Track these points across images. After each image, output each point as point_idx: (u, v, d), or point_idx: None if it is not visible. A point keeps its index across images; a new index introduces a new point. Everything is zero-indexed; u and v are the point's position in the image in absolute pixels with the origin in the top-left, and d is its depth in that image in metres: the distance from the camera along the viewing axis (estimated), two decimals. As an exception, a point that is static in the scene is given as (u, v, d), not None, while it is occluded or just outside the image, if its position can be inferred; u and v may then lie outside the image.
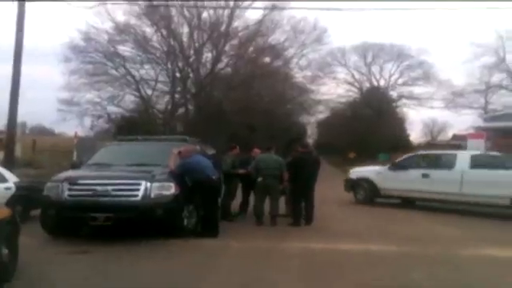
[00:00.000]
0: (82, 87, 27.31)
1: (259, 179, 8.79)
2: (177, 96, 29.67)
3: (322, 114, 39.49)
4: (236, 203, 9.93)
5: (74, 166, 8.19)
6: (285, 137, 32.85)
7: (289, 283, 5.15)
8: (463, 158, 11.30)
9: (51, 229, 7.16)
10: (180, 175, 7.43)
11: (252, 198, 9.61)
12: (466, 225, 9.63)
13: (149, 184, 6.94)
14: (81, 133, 26.62)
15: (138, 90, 28.70)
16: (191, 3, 27.77)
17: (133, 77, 28.54)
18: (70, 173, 7.56)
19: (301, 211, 8.81)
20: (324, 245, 7.13)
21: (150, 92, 29.68)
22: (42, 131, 43.38)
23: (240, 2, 28.71)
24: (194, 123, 27.12)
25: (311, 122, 41.71)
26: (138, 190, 6.88)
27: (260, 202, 8.86)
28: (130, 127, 25.29)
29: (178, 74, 29.60)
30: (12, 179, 9.16)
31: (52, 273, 5.37)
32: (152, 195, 6.91)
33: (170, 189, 7.08)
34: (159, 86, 29.98)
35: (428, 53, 39.88)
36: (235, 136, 21.25)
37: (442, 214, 11.14)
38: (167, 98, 30.17)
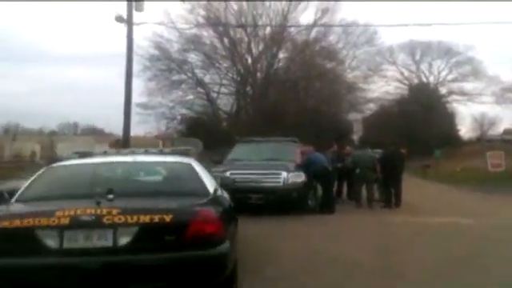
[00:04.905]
0: (157, 92, 30.55)
1: (357, 171, 11.12)
2: (240, 99, 32.44)
3: (371, 111, 40.95)
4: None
5: (217, 162, 10.76)
6: (331, 134, 34.41)
7: (402, 233, 7.73)
8: None
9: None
10: (304, 167, 9.88)
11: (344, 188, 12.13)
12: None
13: (286, 174, 9.47)
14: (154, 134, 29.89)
15: (206, 94, 31.63)
16: (249, 17, 30.35)
17: (200, 82, 31.52)
18: (225, 166, 10.10)
19: (391, 196, 11.06)
20: (413, 218, 9.52)
21: (214, 95, 32.66)
22: (93, 131, 46.32)
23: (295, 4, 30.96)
24: (254, 124, 29.57)
25: (358, 119, 42.89)
26: (279, 178, 9.44)
27: (359, 188, 11.21)
28: (199, 128, 28.21)
29: (239, 79, 32.41)
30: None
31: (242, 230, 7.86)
32: (289, 182, 9.43)
33: (301, 177, 9.58)
34: (223, 89, 32.94)
35: (475, 49, 40.17)
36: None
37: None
38: (231, 100, 33.05)
